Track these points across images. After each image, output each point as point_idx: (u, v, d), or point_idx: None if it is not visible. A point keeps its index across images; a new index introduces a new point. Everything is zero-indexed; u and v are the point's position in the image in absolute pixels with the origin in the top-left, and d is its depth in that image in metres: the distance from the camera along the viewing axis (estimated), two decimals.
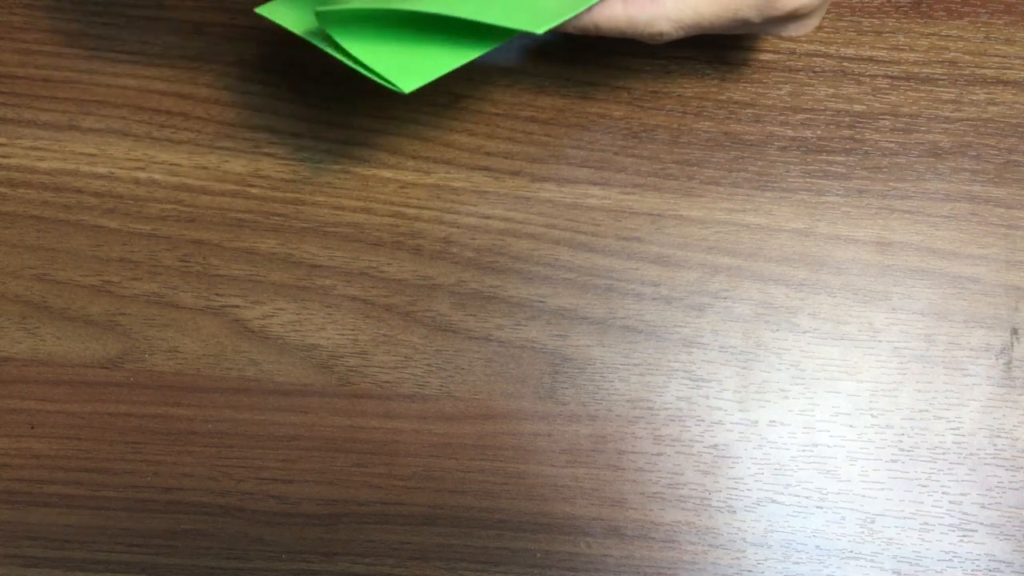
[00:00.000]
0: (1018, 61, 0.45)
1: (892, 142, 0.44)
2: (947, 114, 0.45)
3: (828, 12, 0.46)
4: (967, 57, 0.45)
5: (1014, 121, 0.45)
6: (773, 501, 0.41)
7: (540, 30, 0.36)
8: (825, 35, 0.45)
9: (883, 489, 0.42)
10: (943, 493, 0.41)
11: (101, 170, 0.45)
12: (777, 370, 0.42)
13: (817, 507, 0.41)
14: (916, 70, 0.45)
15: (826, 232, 0.44)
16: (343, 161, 0.45)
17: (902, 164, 0.44)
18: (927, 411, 0.42)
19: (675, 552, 0.41)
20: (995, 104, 0.45)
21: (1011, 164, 0.44)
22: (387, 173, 0.44)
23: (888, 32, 0.46)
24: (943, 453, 0.42)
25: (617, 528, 0.41)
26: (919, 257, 0.43)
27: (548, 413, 0.42)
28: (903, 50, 0.45)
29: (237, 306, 0.43)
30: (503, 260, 0.44)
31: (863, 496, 0.41)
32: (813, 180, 0.44)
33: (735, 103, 0.45)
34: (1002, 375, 0.42)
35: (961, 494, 0.41)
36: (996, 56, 0.45)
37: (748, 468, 0.42)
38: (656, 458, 0.42)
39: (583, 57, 0.45)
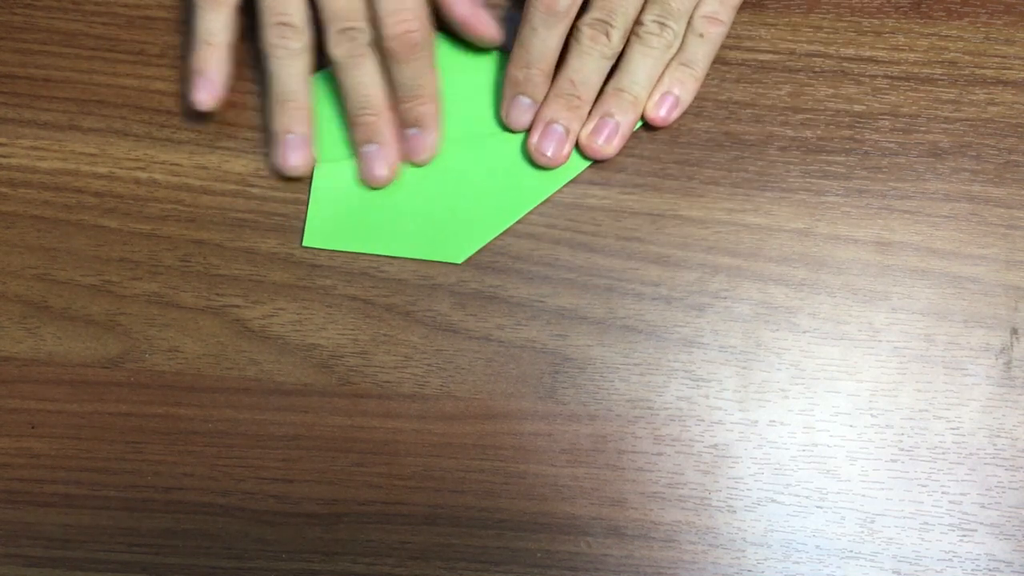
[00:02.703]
0: (1018, 61, 0.45)
1: (892, 142, 0.44)
2: (947, 114, 0.45)
3: (828, 12, 0.46)
4: (967, 57, 0.45)
5: (1014, 121, 0.45)
6: (773, 501, 0.42)
7: (459, 260, 0.43)
8: (825, 35, 0.45)
9: (883, 489, 0.42)
10: (943, 493, 0.41)
11: (101, 170, 0.45)
12: (777, 370, 0.42)
13: (817, 507, 0.41)
14: (916, 70, 0.45)
15: (826, 232, 0.44)
16: None
17: (902, 164, 0.44)
18: (927, 411, 0.42)
19: (675, 552, 0.41)
20: (995, 104, 0.45)
21: (1011, 164, 0.44)
22: None
23: (888, 32, 0.46)
24: (943, 453, 0.42)
25: (617, 528, 0.41)
26: (919, 257, 0.43)
27: (548, 413, 0.42)
28: (903, 50, 0.45)
29: (237, 306, 0.43)
30: (503, 260, 0.44)
31: (863, 496, 0.41)
32: (813, 180, 0.44)
33: (735, 103, 0.45)
34: (1002, 375, 0.42)
35: (961, 494, 0.41)
36: (996, 56, 0.45)
37: (748, 468, 0.42)
38: (656, 458, 0.42)
39: None
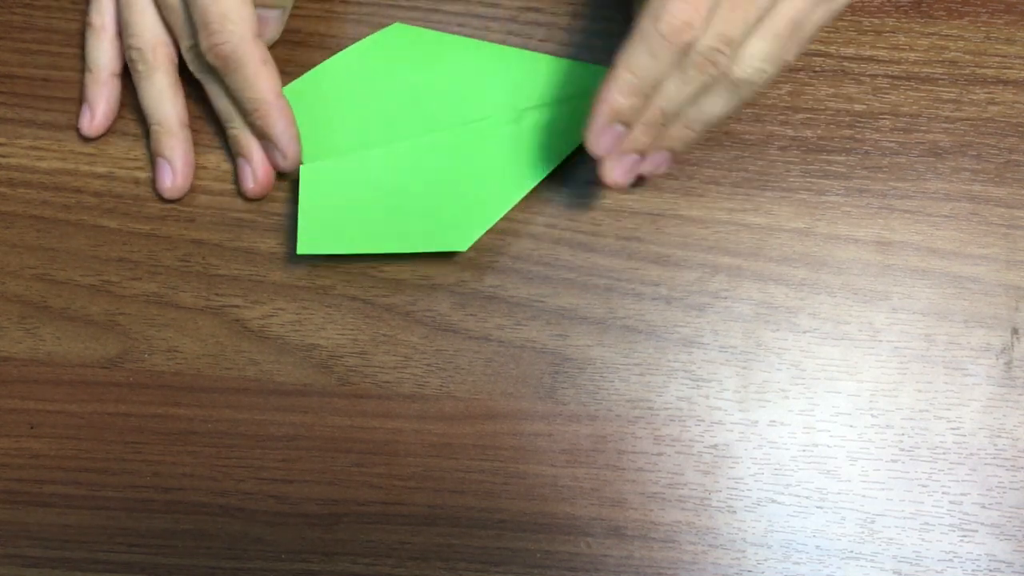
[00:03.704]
0: (1018, 61, 0.45)
1: (892, 142, 0.44)
2: (947, 114, 0.45)
3: None
4: (967, 57, 0.45)
5: (1014, 121, 0.45)
6: (773, 501, 0.41)
7: (464, 247, 0.42)
8: (825, 35, 0.45)
9: (883, 489, 0.41)
10: (943, 493, 0.41)
11: (101, 170, 0.45)
12: (777, 370, 0.42)
13: (817, 507, 0.41)
14: (916, 70, 0.45)
15: (826, 232, 0.44)
16: None
17: (902, 164, 0.44)
18: (927, 411, 0.42)
19: (675, 552, 0.41)
20: (995, 104, 0.45)
21: (1011, 164, 0.44)
22: None
23: (888, 32, 0.46)
24: (943, 453, 0.42)
25: (617, 528, 0.41)
26: (919, 257, 0.43)
27: (548, 413, 0.42)
28: (903, 50, 0.45)
29: (237, 306, 0.43)
30: (503, 260, 0.44)
31: (863, 496, 0.41)
32: (813, 180, 0.44)
33: None
34: (1002, 375, 0.42)
35: (961, 494, 0.41)
36: (996, 56, 0.45)
37: (748, 468, 0.42)
38: (656, 458, 0.42)
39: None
